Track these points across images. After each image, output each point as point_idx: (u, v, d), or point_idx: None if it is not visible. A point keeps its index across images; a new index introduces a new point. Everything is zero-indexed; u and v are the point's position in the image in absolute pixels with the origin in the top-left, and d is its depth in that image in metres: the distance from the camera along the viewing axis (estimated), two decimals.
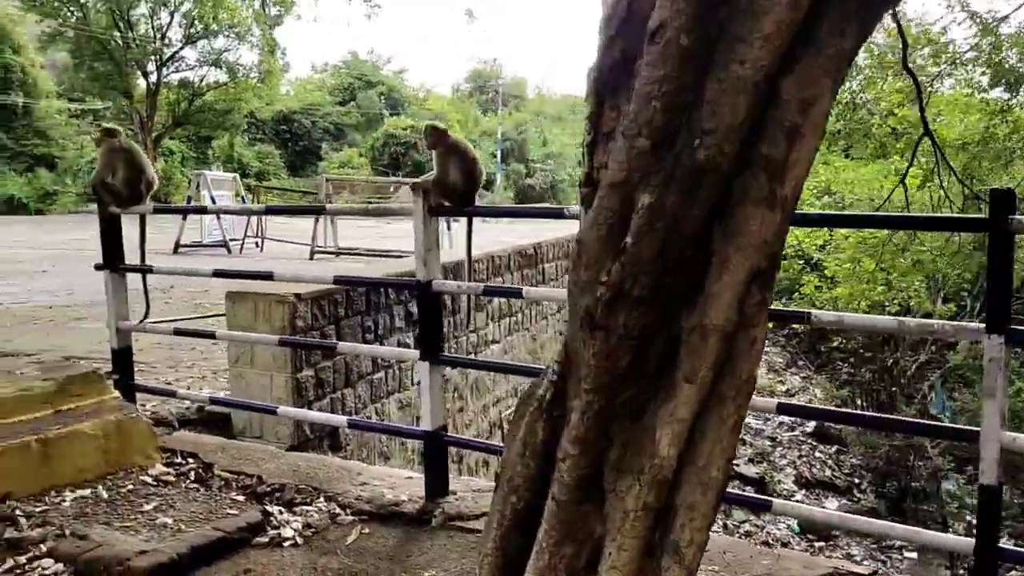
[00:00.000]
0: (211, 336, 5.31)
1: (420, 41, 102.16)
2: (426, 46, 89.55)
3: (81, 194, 28.44)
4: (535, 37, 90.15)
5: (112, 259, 4.75)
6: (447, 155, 3.66)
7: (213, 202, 16.58)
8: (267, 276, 4.78)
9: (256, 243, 18.00)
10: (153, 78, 33.61)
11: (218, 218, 17.01)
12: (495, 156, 43.07)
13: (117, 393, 4.34)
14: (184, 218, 16.91)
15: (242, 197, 19.41)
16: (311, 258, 15.97)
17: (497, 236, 11.15)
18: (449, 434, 4.09)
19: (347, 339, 6.25)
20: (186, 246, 16.66)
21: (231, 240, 17.19)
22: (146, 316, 4.88)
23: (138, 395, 4.91)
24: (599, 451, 1.84)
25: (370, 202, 30.43)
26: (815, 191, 18.48)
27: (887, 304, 12.91)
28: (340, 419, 5.36)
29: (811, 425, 12.17)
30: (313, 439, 5.88)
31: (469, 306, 8.01)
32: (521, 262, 9.70)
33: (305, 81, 51.79)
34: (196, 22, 33.11)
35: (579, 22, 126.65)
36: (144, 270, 4.77)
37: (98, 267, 4.79)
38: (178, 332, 5.26)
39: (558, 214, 3.85)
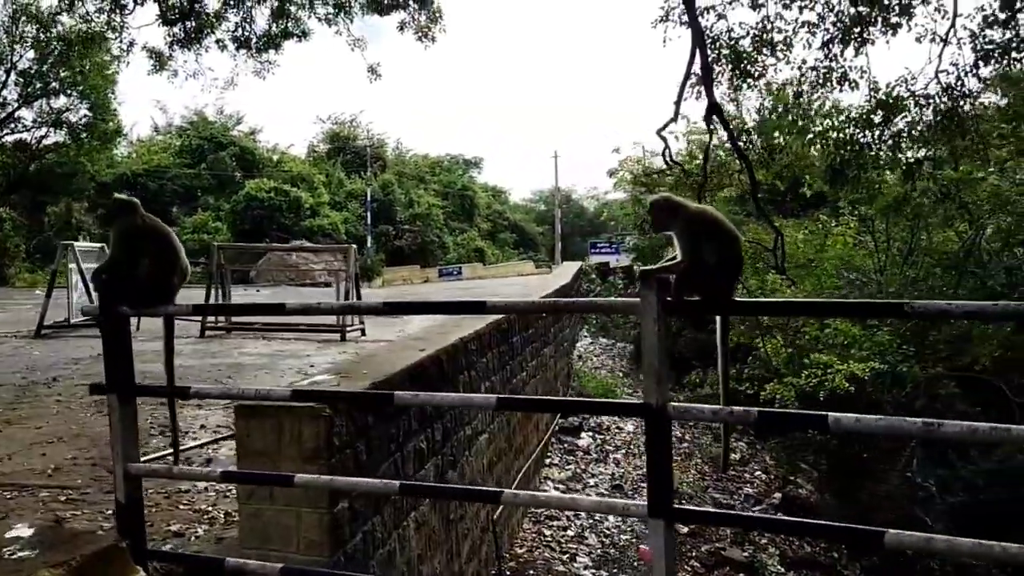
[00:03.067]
0: (287, 483, 3.83)
1: (270, 100, 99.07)
2: (276, 105, 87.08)
3: None
4: (391, 96, 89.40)
5: (120, 377, 3.41)
6: (693, 231, 2.72)
7: (82, 276, 14.67)
8: None
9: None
10: None
11: (88, 293, 14.97)
12: (363, 219, 41.73)
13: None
14: (48, 295, 14.83)
15: None
16: (201, 335, 14.30)
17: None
18: None
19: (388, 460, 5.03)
20: (50, 327, 14.52)
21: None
22: (176, 454, 3.54)
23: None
24: None
25: (248, 269, 28.45)
26: None
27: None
28: None
29: (777, 495, 11.71)
30: None
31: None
32: (499, 338, 8.70)
33: (148, 143, 48.61)
34: (35, 81, 30.15)
35: (434, 81, 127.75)
36: (174, 393, 3.46)
37: (97, 389, 3.44)
38: (227, 478, 3.84)
39: None
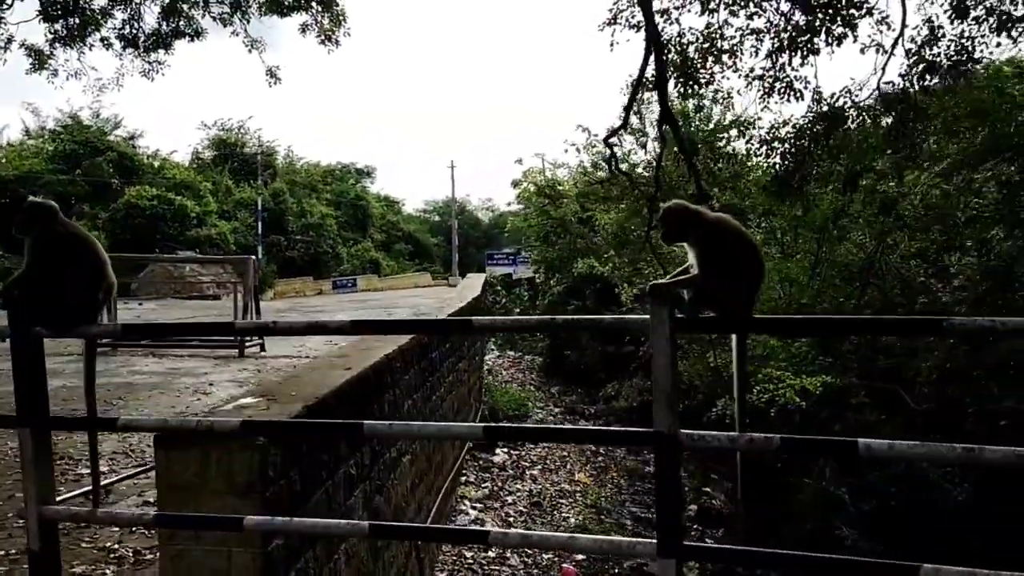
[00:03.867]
0: (235, 527, 3.36)
1: (152, 104, 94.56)
2: (158, 109, 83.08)
3: None
4: (289, 102, 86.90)
5: (35, 409, 2.96)
6: (711, 241, 2.52)
7: None
8: None
9: None
10: None
11: None
12: (253, 228, 40.30)
13: None
14: None
15: None
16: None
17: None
18: None
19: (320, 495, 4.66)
20: None
21: None
22: (96, 494, 3.10)
23: None
24: None
25: (129, 281, 26.84)
26: None
27: None
28: None
29: (693, 507, 11.72)
30: None
31: None
32: (419, 354, 8.35)
33: (19, 147, 45.42)
34: None
35: (335, 87, 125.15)
36: (96, 424, 3.02)
37: (5, 421, 2.97)
38: (162, 522, 3.32)
39: None
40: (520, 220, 28.75)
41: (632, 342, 16.94)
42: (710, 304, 2.49)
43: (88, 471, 5.69)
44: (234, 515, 3.16)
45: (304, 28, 14.35)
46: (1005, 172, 12.19)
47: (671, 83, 10.01)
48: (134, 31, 14.82)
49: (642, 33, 10.44)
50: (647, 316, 2.39)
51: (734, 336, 2.63)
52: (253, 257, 16.25)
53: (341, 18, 14.47)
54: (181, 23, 14.48)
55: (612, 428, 2.69)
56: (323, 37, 14.43)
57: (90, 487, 3.13)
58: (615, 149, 11.95)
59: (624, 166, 25.91)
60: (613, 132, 11.69)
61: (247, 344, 14.53)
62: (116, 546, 5.32)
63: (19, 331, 2.93)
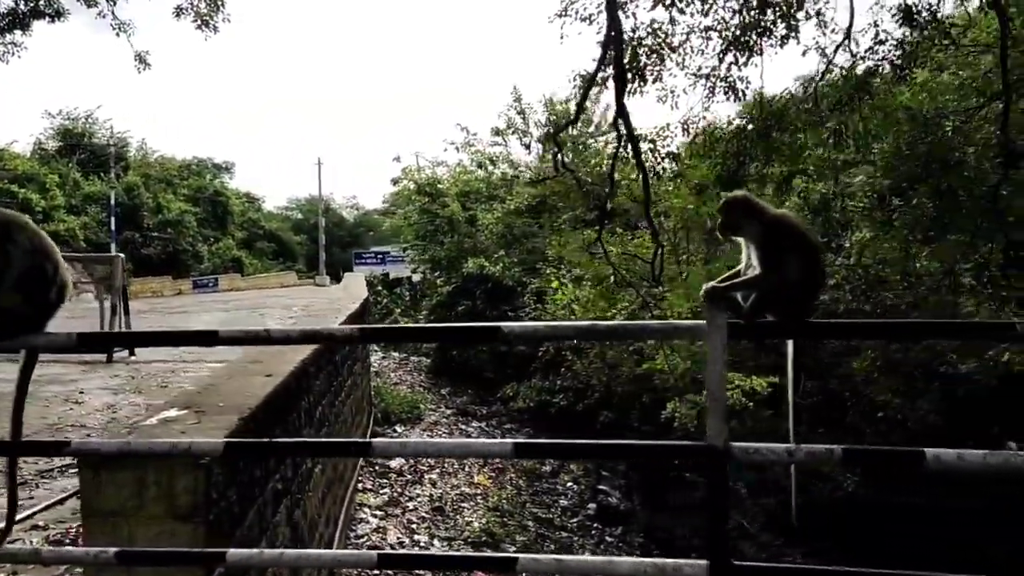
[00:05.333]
0: (219, 561, 2.94)
1: None
2: None
3: None
4: (132, 92, 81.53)
5: None
6: (775, 239, 2.38)
7: None
8: None
9: None
10: None
11: None
12: (105, 224, 37.74)
13: None
14: None
15: None
16: None
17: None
18: None
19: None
20: None
21: None
22: (8, 529, 2.64)
23: None
24: None
25: None
26: None
27: None
28: None
29: (592, 506, 11.71)
30: None
31: None
32: (328, 357, 7.92)
33: None
34: None
35: (180, 79, 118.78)
36: (15, 449, 2.58)
37: None
38: (126, 559, 2.81)
39: None
40: (399, 219, 28.16)
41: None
42: (772, 307, 2.35)
43: None
44: (216, 550, 2.80)
45: (179, 12, 13.44)
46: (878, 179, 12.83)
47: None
48: None
49: (593, 27, 10.23)
50: (699, 321, 2.24)
51: (790, 343, 2.53)
52: (121, 255, 15.15)
53: (219, 3, 13.66)
54: (41, 2, 13.27)
55: (658, 443, 2.52)
56: (200, 22, 13.57)
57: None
58: (560, 146, 11.54)
59: (504, 166, 26.00)
60: (562, 128, 11.36)
61: (115, 349, 13.53)
62: None
63: None
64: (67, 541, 5.30)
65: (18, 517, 4.21)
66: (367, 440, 2.77)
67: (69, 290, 2.55)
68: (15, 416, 2.69)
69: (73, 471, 6.68)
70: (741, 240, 2.48)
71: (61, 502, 5.80)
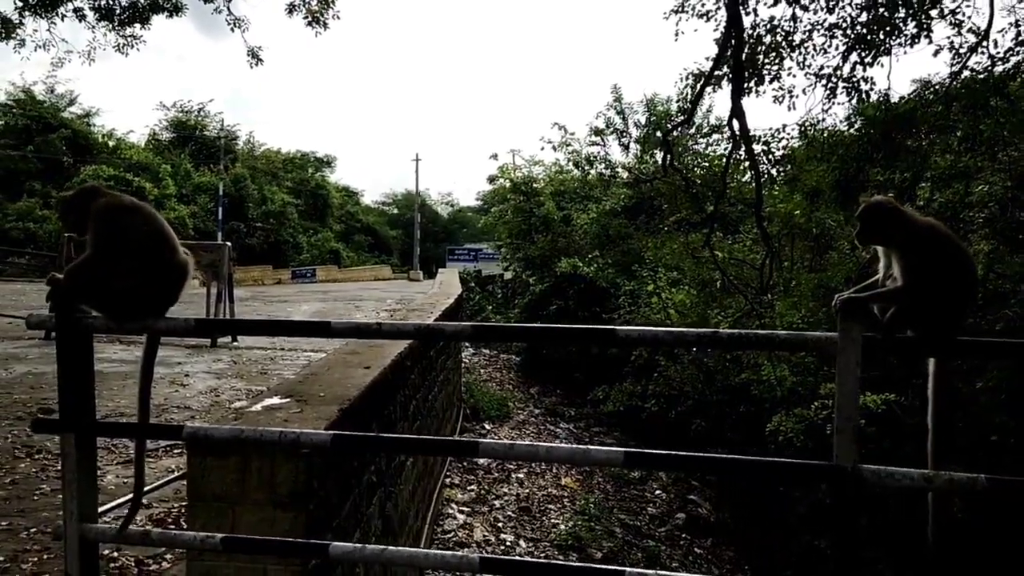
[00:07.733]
0: (321, 554, 2.91)
1: (108, 81, 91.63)
2: (114, 87, 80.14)
3: None
4: (242, 86, 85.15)
5: (79, 412, 2.57)
6: (923, 249, 2.20)
7: None
8: None
9: None
10: None
11: None
12: (213, 214, 39.25)
13: None
14: None
15: None
16: (47, 337, 12.64)
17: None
18: None
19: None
20: None
21: None
22: (134, 511, 2.71)
23: None
24: None
25: None
26: None
27: None
28: None
29: (680, 515, 11.44)
30: None
31: None
32: (422, 351, 7.99)
33: None
34: None
35: (291, 73, 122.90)
36: (144, 431, 2.63)
37: (42, 425, 2.57)
38: (232, 546, 2.83)
39: None
40: (493, 216, 28.22)
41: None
42: (914, 322, 2.19)
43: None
44: (320, 542, 2.79)
45: (292, 8, 13.81)
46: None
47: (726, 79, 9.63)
48: (110, 2, 14.14)
49: (710, 23, 9.90)
50: (831, 334, 2.09)
51: (932, 361, 2.34)
52: (228, 244, 15.70)
53: (331, 0, 13.97)
54: None
55: (782, 460, 2.40)
56: (311, 19, 13.90)
57: (126, 497, 2.73)
58: (671, 147, 11.19)
59: (601, 167, 25.73)
60: (675, 127, 11.04)
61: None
62: (115, 554, 4.89)
63: (64, 320, 2.53)
64: (169, 521, 5.46)
65: (124, 498, 4.35)
66: (475, 440, 2.71)
67: (190, 273, 2.59)
68: (142, 400, 2.75)
69: (178, 452, 6.91)
70: (879, 249, 2.30)
71: (167, 484, 5.97)
